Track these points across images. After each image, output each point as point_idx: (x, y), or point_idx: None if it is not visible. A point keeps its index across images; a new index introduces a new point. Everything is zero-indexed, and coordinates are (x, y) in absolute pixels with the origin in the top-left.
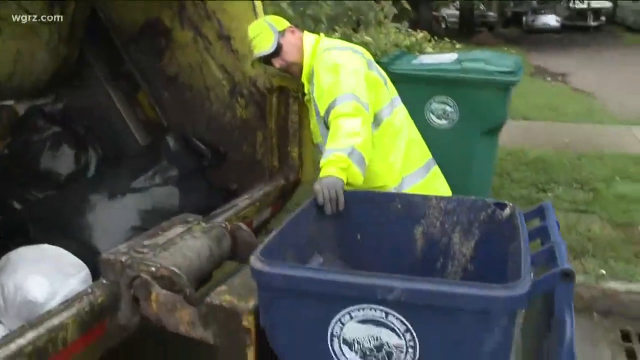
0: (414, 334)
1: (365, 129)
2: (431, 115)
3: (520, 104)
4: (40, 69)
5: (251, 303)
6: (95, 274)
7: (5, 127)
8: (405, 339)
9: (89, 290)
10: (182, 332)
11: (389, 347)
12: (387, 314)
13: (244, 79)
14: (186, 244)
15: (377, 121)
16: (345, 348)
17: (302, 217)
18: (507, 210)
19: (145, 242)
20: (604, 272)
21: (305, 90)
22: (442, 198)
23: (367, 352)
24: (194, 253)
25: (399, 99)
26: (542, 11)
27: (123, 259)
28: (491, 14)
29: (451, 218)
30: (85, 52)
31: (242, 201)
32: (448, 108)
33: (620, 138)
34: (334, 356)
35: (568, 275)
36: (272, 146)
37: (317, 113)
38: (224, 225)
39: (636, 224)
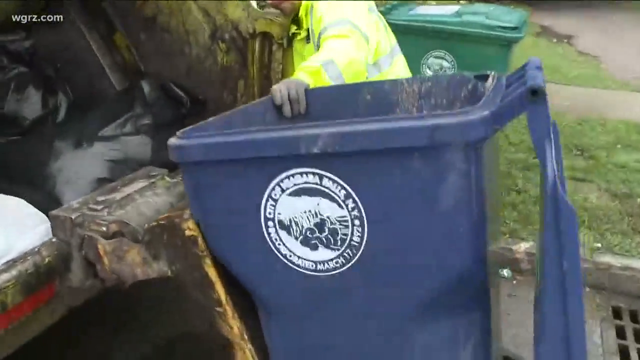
0: (356, 198)
1: (354, 50)
2: (427, 70)
3: (522, 64)
4: (6, 2)
5: (188, 211)
6: None
7: None
8: (347, 208)
9: (35, 249)
10: (140, 276)
11: (331, 222)
12: (320, 177)
13: (226, 23)
14: (146, 201)
15: (376, 69)
16: (282, 233)
17: (253, 112)
18: (490, 81)
19: (100, 198)
20: (599, 245)
21: (303, 27)
22: (414, 80)
23: (308, 234)
24: (152, 211)
25: (398, 48)
26: None
27: (73, 216)
28: None
29: (428, 101)
30: None
31: None
32: (445, 63)
33: (625, 104)
34: (271, 245)
35: (536, 93)
36: (253, 95)
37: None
38: None
39: (636, 195)
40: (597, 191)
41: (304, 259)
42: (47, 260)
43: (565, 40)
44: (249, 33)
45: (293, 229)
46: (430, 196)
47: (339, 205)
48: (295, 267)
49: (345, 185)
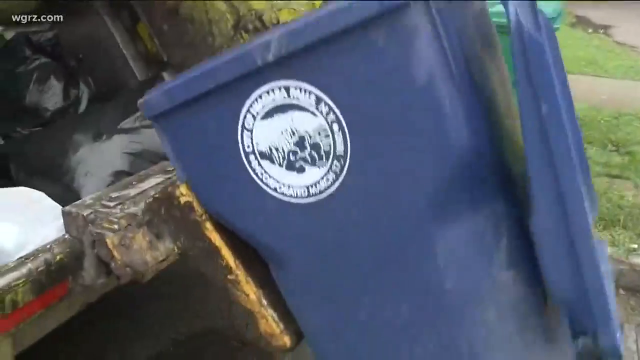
0: (328, 101)
1: None
2: None
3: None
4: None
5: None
6: None
7: None
8: (322, 115)
9: (47, 246)
10: (151, 262)
11: (310, 136)
12: (286, 89)
13: (249, 13)
14: None
15: None
16: (266, 164)
17: None
18: None
19: (114, 194)
20: (635, 246)
21: None
22: None
23: (291, 157)
24: None
25: None
26: None
27: (85, 213)
28: None
29: None
30: None
31: None
32: None
33: None
34: (259, 181)
35: None
36: None
37: None
38: None
39: None
40: (633, 189)
41: (295, 186)
42: (58, 257)
43: (602, 31)
44: (273, 23)
45: (275, 156)
46: (403, 75)
47: (313, 114)
48: (287, 199)
49: (313, 89)
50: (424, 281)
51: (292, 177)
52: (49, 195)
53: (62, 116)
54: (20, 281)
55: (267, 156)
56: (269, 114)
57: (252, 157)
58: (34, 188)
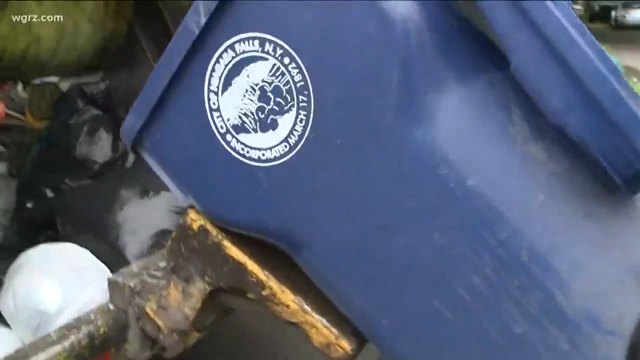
0: (272, 38)
1: None
2: None
3: None
4: (85, 45)
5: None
6: None
7: (48, 105)
8: (271, 54)
9: (91, 317)
10: (190, 315)
11: (268, 83)
12: (231, 47)
13: None
14: None
15: None
16: (242, 137)
17: None
18: None
19: (162, 264)
20: None
21: None
22: None
23: (259, 115)
24: None
25: None
26: (635, 6)
27: (132, 283)
28: (577, 7)
29: None
30: (134, 28)
31: None
32: None
33: None
34: (243, 159)
35: None
36: None
37: None
38: None
39: None
40: None
41: (274, 147)
42: (102, 330)
43: None
44: None
45: (248, 123)
46: None
47: (263, 59)
48: (273, 163)
49: (255, 34)
50: (443, 192)
51: (269, 138)
52: (94, 252)
53: (110, 169)
54: (63, 356)
55: (240, 127)
56: (226, 84)
57: (228, 137)
58: (79, 243)
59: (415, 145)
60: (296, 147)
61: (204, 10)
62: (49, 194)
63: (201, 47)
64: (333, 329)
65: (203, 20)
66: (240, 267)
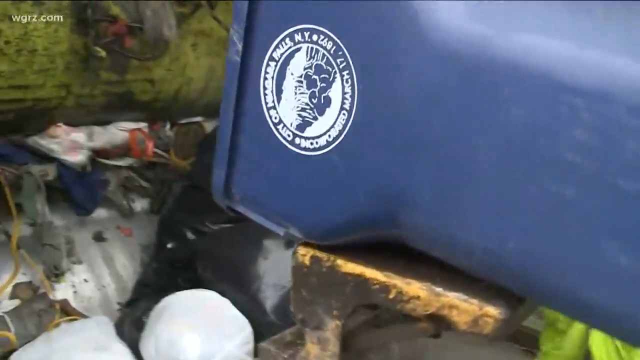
0: (300, 27)
1: None
2: None
3: None
4: None
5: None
6: (257, 335)
7: (192, 145)
8: (302, 39)
9: None
10: None
11: (310, 67)
12: (284, 41)
13: None
14: None
15: None
16: (308, 131)
17: None
18: None
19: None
20: None
21: None
22: None
23: (313, 101)
24: None
25: None
26: None
27: (286, 355)
28: None
29: None
30: None
31: None
32: None
33: None
34: (313, 152)
35: None
36: None
37: None
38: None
39: None
40: None
41: (335, 122)
42: None
43: None
44: None
45: (307, 116)
46: None
47: (297, 49)
48: (341, 138)
49: (285, 32)
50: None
51: (329, 117)
52: (233, 302)
53: None
54: None
55: (302, 124)
56: (279, 92)
57: (297, 140)
58: (218, 291)
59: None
60: (351, 111)
61: (237, 37)
62: (190, 235)
63: (248, 70)
64: (473, 300)
65: (240, 46)
66: (360, 279)
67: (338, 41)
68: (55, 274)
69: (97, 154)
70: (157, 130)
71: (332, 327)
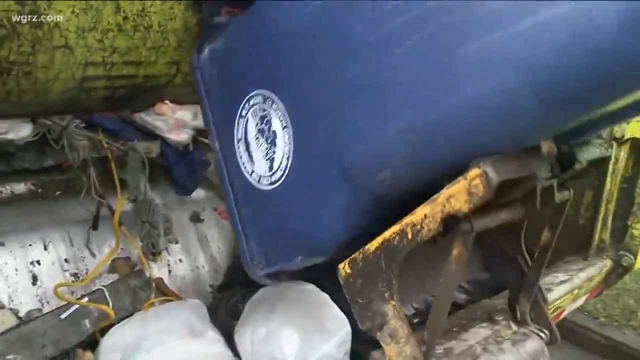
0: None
1: None
2: None
3: None
4: None
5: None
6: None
7: None
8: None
9: None
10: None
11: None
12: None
13: None
14: None
15: None
16: (275, 174)
17: None
18: None
19: (438, 349)
20: None
21: None
22: None
23: (265, 139)
24: None
25: None
26: None
27: None
28: None
29: None
30: None
31: (558, 285)
32: None
33: None
34: (278, 185)
35: None
36: (605, 212)
37: None
38: (541, 333)
39: None
40: None
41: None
42: None
43: None
44: (614, 137)
45: (270, 154)
46: None
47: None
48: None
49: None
50: None
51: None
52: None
53: None
54: None
55: (270, 166)
56: (250, 157)
57: (272, 178)
58: (318, 285)
59: None
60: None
61: (210, 138)
62: None
63: (227, 155)
64: (458, 181)
65: (216, 142)
66: (385, 244)
67: (269, 94)
68: (153, 252)
69: (200, 133)
70: None
71: (392, 313)
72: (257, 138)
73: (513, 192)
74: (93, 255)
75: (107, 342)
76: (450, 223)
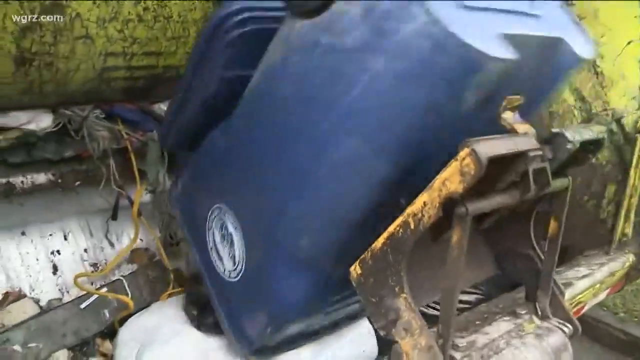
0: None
1: None
2: None
3: None
4: None
5: None
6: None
7: None
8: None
9: None
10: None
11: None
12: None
13: (604, 112)
14: (512, 354)
15: None
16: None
17: None
18: None
19: (461, 341)
20: None
21: None
22: None
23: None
24: None
25: None
26: None
27: None
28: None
29: None
30: None
31: (580, 279)
32: None
33: None
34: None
35: None
36: (627, 207)
37: None
38: (564, 328)
39: None
40: None
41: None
42: None
43: None
44: (637, 129)
45: (233, 254)
46: None
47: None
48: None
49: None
50: None
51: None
52: None
53: None
54: None
55: (236, 261)
56: (220, 257)
57: (238, 267)
58: None
59: None
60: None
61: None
62: None
63: (209, 266)
64: (450, 164)
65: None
66: (390, 237)
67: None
68: (171, 243)
69: None
70: None
71: (404, 306)
72: (221, 242)
73: (507, 175)
74: (112, 245)
75: (125, 333)
76: (450, 207)
